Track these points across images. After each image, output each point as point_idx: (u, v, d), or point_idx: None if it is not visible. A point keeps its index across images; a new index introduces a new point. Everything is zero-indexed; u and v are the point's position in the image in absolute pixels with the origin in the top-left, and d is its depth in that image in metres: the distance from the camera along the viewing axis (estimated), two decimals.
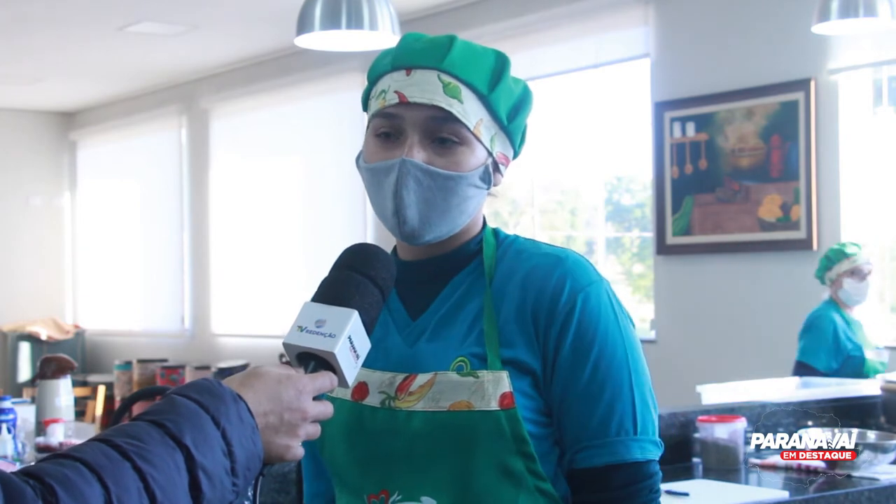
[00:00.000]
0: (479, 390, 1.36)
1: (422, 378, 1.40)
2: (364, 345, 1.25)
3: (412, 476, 1.39)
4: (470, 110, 1.40)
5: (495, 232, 1.50)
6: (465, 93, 1.41)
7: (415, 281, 1.49)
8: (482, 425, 1.35)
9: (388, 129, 1.42)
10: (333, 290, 1.27)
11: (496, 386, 1.36)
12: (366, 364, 1.45)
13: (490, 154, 1.44)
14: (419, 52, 1.43)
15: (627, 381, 1.38)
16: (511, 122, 1.45)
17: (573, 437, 1.38)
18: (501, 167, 1.47)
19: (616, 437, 1.36)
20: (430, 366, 1.40)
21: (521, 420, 1.35)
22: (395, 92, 1.41)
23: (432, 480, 1.38)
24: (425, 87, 1.40)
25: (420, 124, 1.40)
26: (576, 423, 1.37)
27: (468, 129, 1.40)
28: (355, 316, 1.24)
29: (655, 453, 1.39)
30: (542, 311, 1.38)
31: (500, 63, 1.45)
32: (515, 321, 1.39)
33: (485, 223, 1.52)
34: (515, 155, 1.51)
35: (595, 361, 1.37)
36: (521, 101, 1.46)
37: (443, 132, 1.40)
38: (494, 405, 1.35)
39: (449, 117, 1.39)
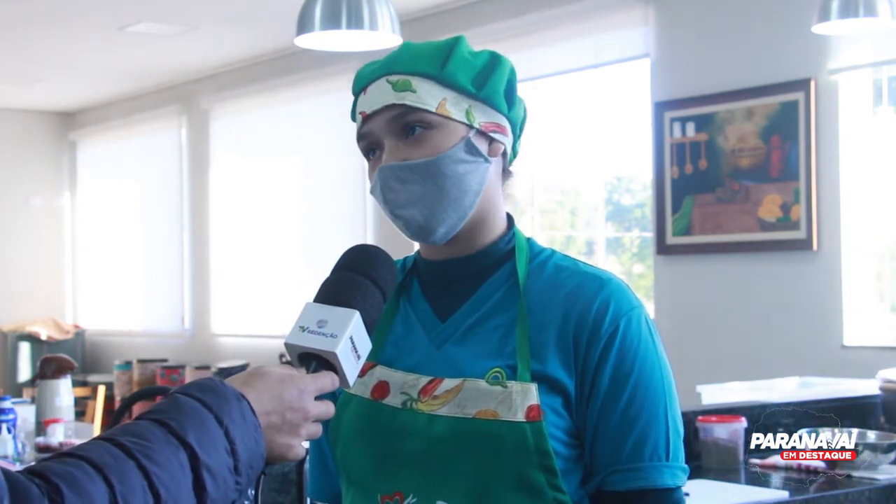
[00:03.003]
0: (507, 400, 1.35)
1: (449, 383, 1.39)
2: (365, 345, 1.26)
3: (429, 480, 1.38)
4: (426, 95, 1.41)
5: (529, 241, 1.50)
6: (416, 82, 1.42)
7: (442, 281, 1.48)
8: (506, 435, 1.34)
9: (368, 147, 1.45)
10: (335, 291, 1.28)
11: (524, 397, 1.35)
12: (387, 363, 1.45)
13: (470, 126, 1.43)
14: (370, 71, 1.46)
15: (663, 407, 1.39)
16: (481, 89, 1.44)
17: (606, 459, 1.37)
18: (496, 135, 1.45)
19: (649, 462, 1.37)
20: (459, 371, 1.40)
21: (546, 434, 1.34)
22: (359, 113, 1.45)
23: (450, 486, 1.37)
24: (377, 96, 1.42)
25: (386, 129, 1.42)
26: (610, 446, 1.37)
27: (430, 112, 1.40)
28: (357, 316, 1.24)
29: (683, 480, 1.40)
30: (584, 333, 1.38)
31: (450, 44, 1.45)
32: (554, 340, 1.39)
33: (512, 222, 1.51)
34: (514, 121, 1.48)
35: (633, 386, 1.37)
36: (488, 67, 1.45)
37: (408, 125, 1.41)
38: (521, 416, 1.34)
39: (406, 110, 1.40)
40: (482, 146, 1.44)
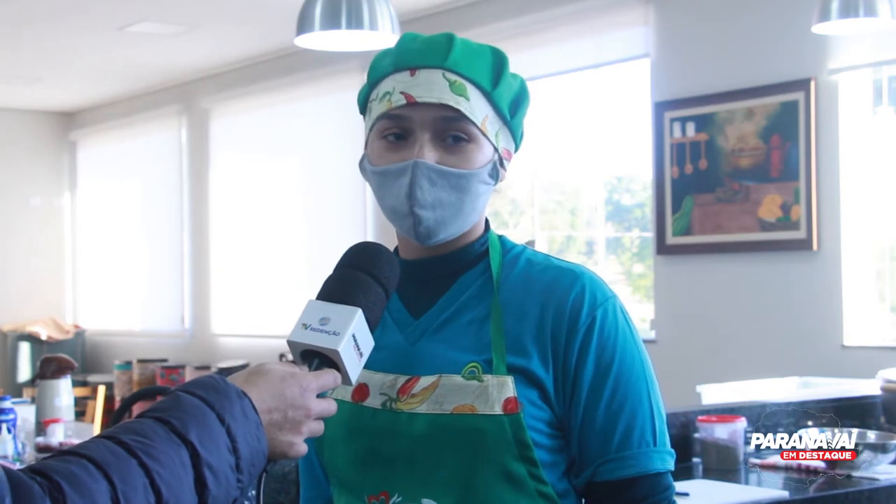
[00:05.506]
0: (484, 394, 1.36)
1: (425, 380, 1.40)
2: (367, 343, 1.26)
3: (413, 478, 1.39)
4: (476, 107, 1.40)
5: (500, 238, 1.51)
6: (471, 90, 1.41)
7: (417, 280, 1.48)
8: (486, 429, 1.35)
9: (396, 130, 1.41)
10: (338, 289, 1.28)
11: (500, 390, 1.36)
12: (365, 365, 1.46)
13: (496, 149, 1.44)
14: (420, 51, 1.42)
15: (646, 393, 1.40)
16: (513, 116, 1.45)
17: (597, 450, 1.38)
18: (505, 162, 1.47)
19: (638, 449, 1.38)
20: (434, 367, 1.40)
21: (524, 425, 1.35)
22: (402, 93, 1.40)
23: (434, 483, 1.38)
24: (432, 87, 1.39)
25: (429, 124, 1.39)
26: (599, 438, 1.38)
27: (476, 126, 1.40)
28: (359, 314, 1.24)
29: (672, 464, 1.41)
30: (562, 326, 1.39)
31: (499, 59, 1.46)
32: (531, 334, 1.39)
33: (487, 224, 1.52)
34: (516, 149, 1.51)
35: (616, 376, 1.38)
36: (521, 96, 1.47)
37: (453, 131, 1.40)
38: (498, 409, 1.35)
39: (458, 116, 1.39)
40: (499, 170, 1.46)
